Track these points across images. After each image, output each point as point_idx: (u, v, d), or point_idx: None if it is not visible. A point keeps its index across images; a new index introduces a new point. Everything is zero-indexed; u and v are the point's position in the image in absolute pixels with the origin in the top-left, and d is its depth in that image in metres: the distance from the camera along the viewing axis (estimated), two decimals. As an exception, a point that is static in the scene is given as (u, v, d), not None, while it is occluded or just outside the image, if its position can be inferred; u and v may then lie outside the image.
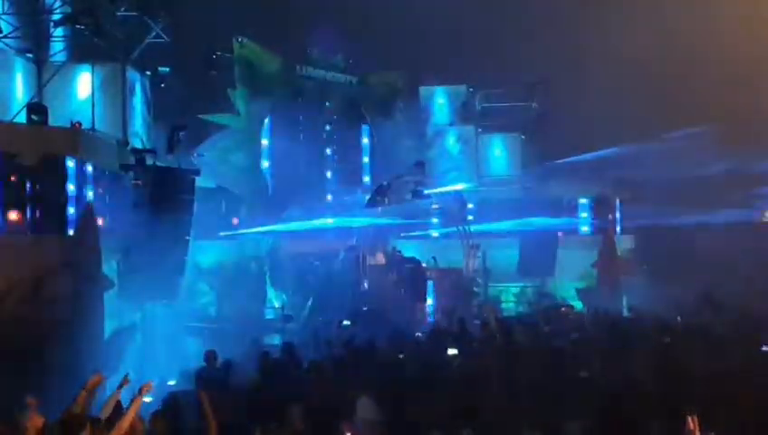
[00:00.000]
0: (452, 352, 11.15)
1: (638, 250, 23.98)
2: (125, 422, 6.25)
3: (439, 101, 28.37)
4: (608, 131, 22.61)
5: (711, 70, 21.79)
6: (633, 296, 20.72)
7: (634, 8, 22.18)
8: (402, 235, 23.32)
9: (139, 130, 17.54)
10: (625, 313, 17.95)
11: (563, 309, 17.62)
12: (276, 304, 21.05)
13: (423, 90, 27.92)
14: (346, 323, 15.46)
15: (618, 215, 25.02)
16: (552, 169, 24.90)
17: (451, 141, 27.96)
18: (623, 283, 22.77)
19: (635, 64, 22.89)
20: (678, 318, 13.83)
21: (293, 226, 21.94)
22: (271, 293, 21.38)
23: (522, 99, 27.51)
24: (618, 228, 24.96)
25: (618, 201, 25.06)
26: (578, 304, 21.62)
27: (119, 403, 7.13)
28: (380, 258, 21.06)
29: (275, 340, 17.75)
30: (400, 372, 9.79)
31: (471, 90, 28.12)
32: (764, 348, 11.48)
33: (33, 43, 16.13)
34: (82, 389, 7.15)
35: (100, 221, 13.74)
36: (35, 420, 6.59)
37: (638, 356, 10.27)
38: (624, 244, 24.23)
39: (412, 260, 20.18)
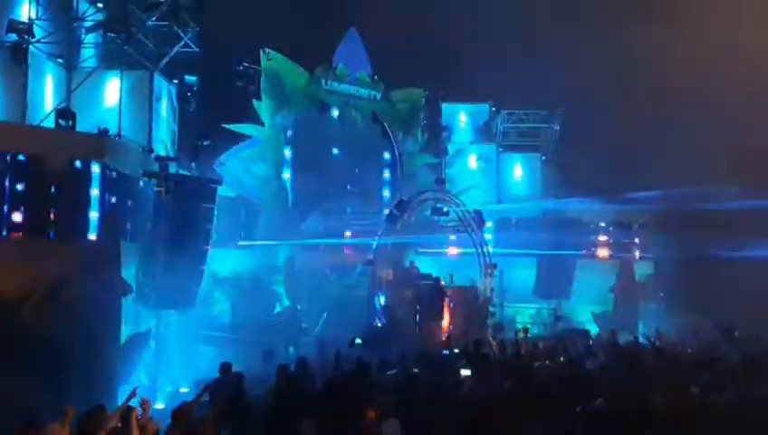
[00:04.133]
0: (465, 372, 11.08)
1: (657, 277, 23.76)
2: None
3: (461, 118, 28.42)
4: (628, 157, 22.54)
5: (742, 99, 21.63)
6: (650, 323, 20.55)
7: (661, 35, 22.10)
8: (420, 250, 23.29)
9: (164, 138, 17.73)
10: (641, 339, 17.78)
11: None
12: (291, 314, 21.04)
13: (445, 107, 27.97)
14: (358, 341, 15.44)
15: (637, 240, 24.80)
16: (572, 191, 24.78)
17: (472, 159, 27.97)
18: (640, 309, 22.65)
19: (660, 92, 22.82)
20: (689, 350, 13.64)
21: (311, 241, 22.06)
22: (286, 304, 21.42)
23: (544, 120, 27.49)
24: (636, 254, 24.74)
25: (637, 226, 24.85)
26: (593, 328, 21.47)
27: (134, 413, 7.16)
28: (397, 274, 21.02)
29: (289, 352, 17.77)
30: (413, 391, 9.73)
31: (493, 109, 28.16)
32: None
33: (65, 49, 16.39)
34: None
35: (121, 226, 13.92)
36: (59, 432, 6.63)
37: (653, 385, 10.16)
38: (643, 270, 24.05)
39: (430, 277, 20.10)
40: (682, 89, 22.17)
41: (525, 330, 16.67)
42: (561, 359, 12.83)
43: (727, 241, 20.64)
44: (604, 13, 22.65)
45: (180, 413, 7.62)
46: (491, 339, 15.75)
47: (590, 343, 16.52)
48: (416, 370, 11.17)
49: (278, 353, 14.05)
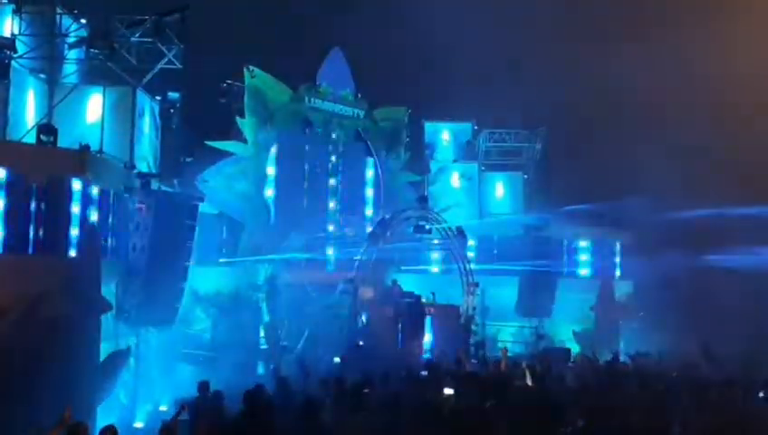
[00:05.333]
0: (448, 391, 11.06)
1: (637, 296, 23.96)
2: None
3: (444, 137, 28.64)
4: (610, 177, 22.81)
5: (716, 114, 22.00)
6: (631, 342, 20.68)
7: (642, 56, 22.46)
8: (402, 268, 23.31)
9: (146, 154, 17.67)
10: (621, 358, 17.89)
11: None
12: (273, 334, 20.95)
13: (428, 125, 28.22)
14: (336, 360, 15.39)
15: (617, 259, 25.01)
16: (554, 209, 24.99)
17: (454, 178, 28.14)
18: (621, 328, 22.80)
19: (641, 112, 23.17)
20: (675, 374, 13.74)
21: (293, 255, 22.00)
22: (267, 322, 21.30)
23: (526, 140, 27.77)
24: (617, 273, 24.94)
25: (618, 245, 25.07)
26: (575, 347, 21.58)
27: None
28: (379, 292, 21.00)
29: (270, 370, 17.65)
30: (394, 410, 9.71)
31: (476, 127, 28.42)
32: (761, 395, 11.48)
33: (47, 64, 16.33)
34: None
35: (101, 243, 13.81)
36: None
37: (633, 404, 10.23)
38: (623, 289, 24.24)
39: (411, 295, 20.10)
40: (661, 107, 22.54)
41: (505, 350, 16.69)
42: (543, 378, 12.85)
43: (707, 257, 20.92)
44: (586, 33, 23.02)
45: (170, 431, 7.64)
46: (467, 358, 15.72)
47: (571, 361, 16.60)
48: (396, 394, 11.12)
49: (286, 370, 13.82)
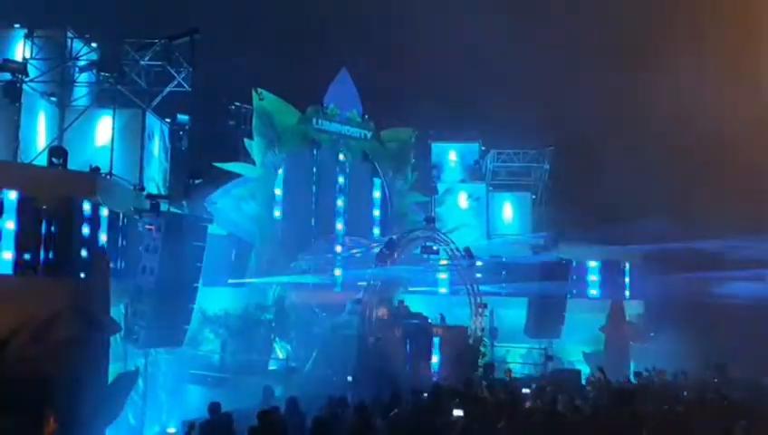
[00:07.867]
0: (457, 413, 10.98)
1: (648, 316, 23.80)
2: None
3: (451, 157, 28.70)
4: (620, 198, 22.79)
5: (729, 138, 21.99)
6: (641, 363, 20.49)
7: (650, 78, 22.52)
8: (410, 289, 23.23)
9: (156, 176, 17.77)
10: (632, 379, 17.73)
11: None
12: (281, 355, 20.95)
13: (435, 146, 28.32)
14: (349, 379, 15.32)
15: (627, 280, 24.85)
16: (562, 229, 24.93)
17: (462, 198, 28.15)
18: (631, 349, 22.62)
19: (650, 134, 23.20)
20: (684, 393, 13.61)
21: (302, 278, 22.02)
22: (276, 343, 21.27)
23: (533, 160, 27.79)
24: (627, 293, 24.77)
25: (627, 266, 24.93)
26: (585, 368, 21.39)
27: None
28: (387, 312, 20.93)
29: (278, 392, 17.57)
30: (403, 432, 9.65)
31: (483, 148, 28.48)
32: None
33: (58, 88, 16.51)
34: None
35: (111, 265, 13.82)
36: None
37: (646, 425, 10.15)
38: (633, 309, 24.07)
39: (418, 316, 20.03)
40: (672, 128, 22.55)
41: (509, 372, 16.60)
42: (553, 399, 12.73)
43: (717, 280, 20.77)
44: (595, 53, 23.14)
45: None
46: (481, 381, 15.61)
47: (582, 383, 16.46)
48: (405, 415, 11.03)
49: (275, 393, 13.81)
